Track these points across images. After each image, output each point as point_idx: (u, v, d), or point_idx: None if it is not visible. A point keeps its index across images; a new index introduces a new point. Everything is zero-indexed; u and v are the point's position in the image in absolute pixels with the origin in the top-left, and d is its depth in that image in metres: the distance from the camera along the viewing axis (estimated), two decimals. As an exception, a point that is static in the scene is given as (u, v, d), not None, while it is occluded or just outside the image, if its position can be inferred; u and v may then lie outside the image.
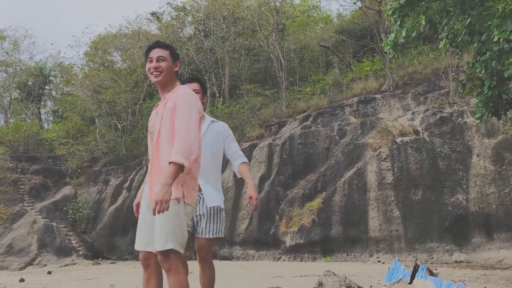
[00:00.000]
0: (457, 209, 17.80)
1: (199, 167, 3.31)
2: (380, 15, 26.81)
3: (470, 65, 8.30)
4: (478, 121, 9.48)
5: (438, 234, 17.74)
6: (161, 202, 2.86)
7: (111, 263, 23.66)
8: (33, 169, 28.95)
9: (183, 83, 3.51)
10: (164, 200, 2.86)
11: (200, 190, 3.89)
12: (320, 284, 6.29)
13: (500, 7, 5.41)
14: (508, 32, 5.53)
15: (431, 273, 6.69)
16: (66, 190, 27.67)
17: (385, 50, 7.04)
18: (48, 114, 43.83)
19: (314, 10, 39.47)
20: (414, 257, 17.12)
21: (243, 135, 25.95)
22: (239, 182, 23.28)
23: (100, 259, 24.60)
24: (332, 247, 19.48)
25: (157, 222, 3.04)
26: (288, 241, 20.22)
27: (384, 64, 25.76)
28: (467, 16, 6.47)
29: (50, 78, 39.84)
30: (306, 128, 23.58)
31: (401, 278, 6.72)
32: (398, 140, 19.83)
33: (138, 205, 3.48)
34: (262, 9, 31.98)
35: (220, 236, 4.19)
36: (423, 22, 7.04)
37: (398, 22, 6.52)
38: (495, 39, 5.92)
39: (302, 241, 19.79)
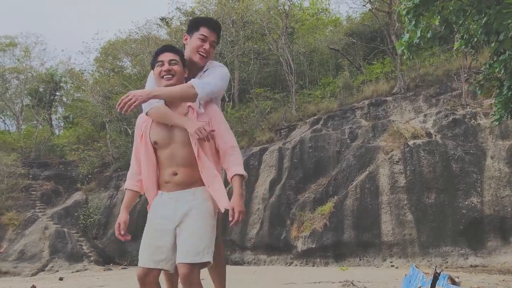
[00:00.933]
0: (471, 212, 17.51)
1: None
2: (390, 17, 26.62)
3: (488, 66, 8.11)
4: (496, 123, 9.28)
5: (452, 238, 17.46)
6: (243, 213, 3.08)
7: (122, 268, 23.62)
8: (45, 175, 29.06)
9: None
10: (244, 211, 3.08)
11: None
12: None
13: (518, 5, 5.26)
14: (527, 31, 5.39)
15: (453, 282, 6.46)
16: (77, 196, 27.72)
17: (399, 51, 6.87)
18: (59, 120, 44.10)
19: (323, 13, 39.32)
20: (429, 261, 16.89)
21: (253, 139, 25.85)
22: (249, 187, 23.16)
23: (111, 264, 24.58)
24: (344, 251, 19.26)
25: (194, 234, 2.98)
26: (300, 245, 20.03)
27: (395, 66, 25.54)
28: (483, 15, 6.30)
29: (61, 84, 40.09)
30: (316, 132, 23.41)
31: (420, 287, 6.52)
32: (410, 143, 19.59)
33: (125, 223, 3.21)
34: (271, 12, 31.92)
35: None
36: (437, 23, 6.88)
37: (413, 22, 6.36)
38: (514, 38, 5.78)
39: (314, 246, 19.59)
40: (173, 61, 3.16)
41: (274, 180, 22.73)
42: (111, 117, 31.26)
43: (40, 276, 21.64)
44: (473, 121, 19.74)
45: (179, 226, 3.04)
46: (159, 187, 3.17)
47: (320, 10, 39.35)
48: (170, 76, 3.14)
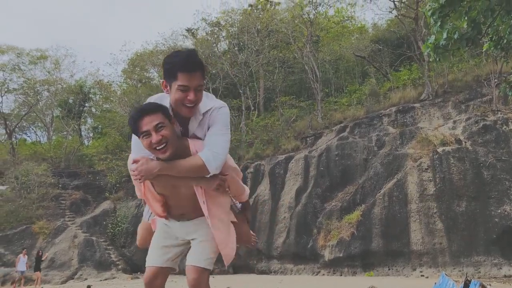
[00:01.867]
0: (504, 220, 16.97)
1: None
2: (417, 23, 26.27)
3: (518, 67, 7.85)
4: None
5: (485, 247, 16.94)
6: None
7: (149, 277, 23.71)
8: (74, 185, 29.59)
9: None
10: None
11: None
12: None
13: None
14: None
15: (485, 289, 6.23)
16: (106, 205, 28.09)
17: (425, 53, 6.71)
18: (88, 131, 44.94)
19: (348, 21, 39.10)
20: (460, 271, 16.42)
21: (278, 147, 25.76)
22: (275, 196, 23.05)
23: (138, 273, 24.73)
24: (372, 261, 18.90)
25: (207, 242, 2.98)
26: (327, 254, 19.77)
27: (423, 72, 25.13)
28: (512, 15, 6.11)
29: (90, 95, 40.86)
30: (343, 139, 23.17)
31: (449, 294, 6.31)
32: (440, 150, 19.17)
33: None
34: (296, 21, 31.92)
35: None
36: (465, 25, 6.70)
37: (439, 23, 6.20)
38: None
39: (341, 255, 19.31)
40: (159, 126, 2.62)
41: (300, 188, 22.56)
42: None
43: (69, 284, 21.95)
44: (505, 127, 19.21)
45: (191, 236, 3.04)
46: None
47: (346, 18, 39.16)
48: (162, 146, 2.64)
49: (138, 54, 37.89)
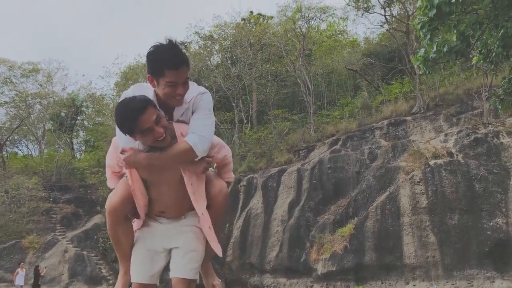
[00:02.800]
0: (496, 233, 16.96)
1: None
2: (408, 37, 26.51)
3: (508, 80, 7.89)
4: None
5: (477, 260, 16.90)
6: None
7: (141, 292, 23.45)
8: (65, 198, 29.35)
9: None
10: None
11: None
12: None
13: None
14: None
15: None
16: (97, 219, 27.84)
17: (415, 66, 6.74)
18: (80, 144, 44.72)
19: (340, 35, 39.41)
20: (453, 284, 16.39)
21: (271, 160, 25.72)
22: (268, 209, 22.96)
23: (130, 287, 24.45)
24: (366, 274, 18.80)
25: (190, 252, 2.95)
26: (320, 268, 19.65)
27: (414, 85, 25.30)
28: (500, 28, 6.15)
29: (82, 108, 40.74)
30: (335, 152, 23.18)
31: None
32: (432, 162, 19.21)
33: None
34: (289, 35, 32.11)
35: None
36: (454, 38, 6.74)
37: (428, 36, 6.24)
38: (533, 52, 5.61)
39: (334, 269, 19.19)
40: (158, 119, 2.63)
41: (293, 201, 22.48)
42: (131, 140, 31.45)
43: (59, 300, 21.63)
44: (496, 140, 19.30)
45: (173, 244, 2.98)
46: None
47: (338, 32, 39.47)
48: (162, 137, 2.66)
49: (131, 67, 37.89)
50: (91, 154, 36.73)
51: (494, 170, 18.22)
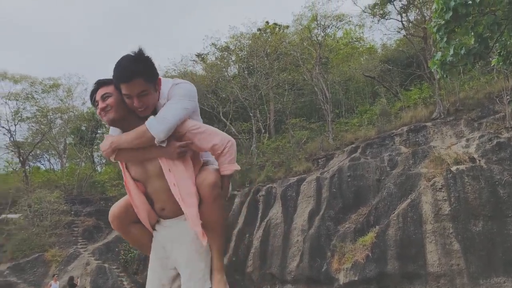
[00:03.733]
0: (523, 240, 16.52)
1: None
2: (425, 42, 26.24)
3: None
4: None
5: (504, 267, 16.45)
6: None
7: (162, 304, 23.44)
8: (86, 211, 29.63)
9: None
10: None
11: None
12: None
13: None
14: None
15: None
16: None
17: (433, 70, 6.60)
18: (101, 157, 45.12)
19: (357, 42, 39.23)
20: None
21: (290, 169, 25.57)
22: (288, 219, 22.80)
23: (151, 300, 24.47)
24: (388, 283, 18.46)
25: (189, 263, 2.87)
26: (342, 278, 19.36)
27: (433, 91, 24.97)
28: (520, 29, 6.00)
29: (102, 122, 41.13)
30: (355, 160, 22.93)
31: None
32: (453, 168, 18.85)
33: None
34: (305, 44, 32.08)
35: None
36: (472, 41, 6.60)
37: (445, 39, 6.11)
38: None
39: (356, 278, 18.89)
40: (105, 95, 2.76)
41: (313, 211, 22.28)
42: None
43: (82, 313, 21.72)
44: (519, 144, 18.88)
45: (174, 254, 2.94)
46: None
47: (354, 39, 39.30)
48: (105, 112, 2.77)
49: (149, 80, 38.18)
50: (111, 167, 37.02)
51: (519, 175, 17.79)
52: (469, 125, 21.92)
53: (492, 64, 7.85)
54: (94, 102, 2.83)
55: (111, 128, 2.94)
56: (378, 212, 20.21)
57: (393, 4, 28.18)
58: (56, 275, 21.52)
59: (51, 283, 20.53)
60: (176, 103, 2.79)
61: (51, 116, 37.06)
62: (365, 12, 29.97)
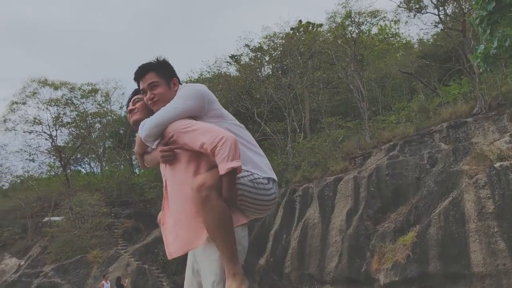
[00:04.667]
0: None
1: None
2: (464, 35, 25.47)
3: None
4: None
5: (554, 267, 15.78)
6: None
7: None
8: (126, 213, 30.17)
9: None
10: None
11: None
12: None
13: None
14: None
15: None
16: (157, 233, 28.35)
17: (475, 64, 6.33)
18: (139, 160, 45.87)
19: (393, 38, 38.51)
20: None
21: (326, 169, 25.29)
22: (325, 219, 22.56)
23: (191, 300, 24.66)
24: (431, 284, 17.98)
25: (205, 276, 2.80)
26: (382, 278, 19.00)
27: (474, 85, 24.21)
28: None
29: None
30: (393, 158, 22.48)
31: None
32: (497, 165, 18.20)
33: None
34: (339, 41, 31.69)
35: None
36: (516, 31, 6.30)
37: (488, 31, 5.84)
38: None
39: (397, 279, 18.49)
40: (136, 100, 3.06)
41: (351, 210, 21.96)
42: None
43: (123, 313, 22.08)
44: None
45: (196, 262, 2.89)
46: None
47: (390, 35, 38.59)
48: (131, 114, 3.07)
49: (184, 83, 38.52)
50: (149, 169, 37.60)
51: None
52: (513, 120, 21.14)
53: (539, 56, 7.49)
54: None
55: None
56: (419, 211, 19.74)
57: (430, -2, 27.50)
58: (107, 275, 21.93)
59: (103, 282, 20.97)
60: (170, 104, 2.80)
61: (90, 121, 37.95)
62: (401, 7, 29.34)
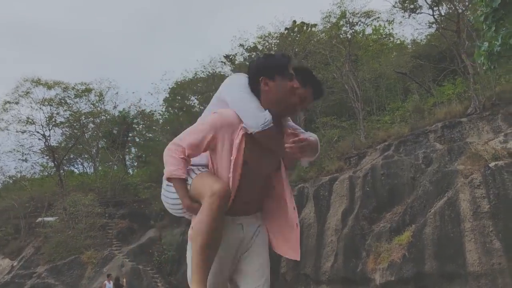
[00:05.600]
0: None
1: None
2: (459, 35, 25.57)
3: None
4: None
5: (548, 266, 15.85)
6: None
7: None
8: (120, 214, 30.01)
9: (284, 63, 2.60)
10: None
11: None
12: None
13: None
14: None
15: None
16: (151, 233, 28.27)
17: (478, 62, 6.33)
18: (133, 160, 45.79)
19: (387, 38, 38.60)
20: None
21: (321, 169, 25.29)
22: (321, 218, 22.57)
23: (186, 301, 24.58)
24: (427, 284, 18.02)
25: (263, 264, 2.82)
26: (378, 278, 19.02)
27: (468, 86, 24.32)
28: None
29: (133, 125, 41.70)
30: (388, 158, 22.53)
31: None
32: (492, 165, 18.27)
33: None
34: (334, 41, 31.70)
35: None
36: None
37: (493, 28, 5.83)
38: None
39: (393, 278, 18.52)
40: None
41: (346, 210, 21.98)
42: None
43: (118, 314, 21.94)
44: (562, 138, 18.19)
45: (247, 252, 2.73)
46: None
47: (384, 36, 38.68)
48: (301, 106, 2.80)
49: (179, 83, 38.47)
50: (143, 169, 37.50)
51: (562, 170, 17.14)
52: (507, 120, 21.24)
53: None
54: (288, 72, 2.64)
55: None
56: (414, 210, 19.79)
57: (424, -2, 27.58)
58: (110, 275, 21.70)
59: (105, 282, 20.77)
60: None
61: (84, 121, 37.70)
62: (396, 7, 29.42)
